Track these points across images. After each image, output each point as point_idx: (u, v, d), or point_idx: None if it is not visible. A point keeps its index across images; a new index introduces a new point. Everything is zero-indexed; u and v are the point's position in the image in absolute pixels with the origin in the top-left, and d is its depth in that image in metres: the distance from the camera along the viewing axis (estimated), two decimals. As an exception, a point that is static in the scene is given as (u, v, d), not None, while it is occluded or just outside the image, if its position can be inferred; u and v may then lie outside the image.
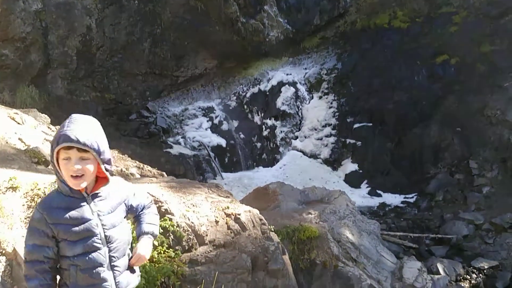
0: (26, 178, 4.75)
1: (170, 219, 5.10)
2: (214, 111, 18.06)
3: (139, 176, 7.86)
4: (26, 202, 4.43)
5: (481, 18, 17.55)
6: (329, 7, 19.28)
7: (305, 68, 19.39)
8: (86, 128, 2.39)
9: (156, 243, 4.66)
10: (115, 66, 16.72)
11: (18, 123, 8.12)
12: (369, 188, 15.52)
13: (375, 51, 17.98)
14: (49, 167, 5.97)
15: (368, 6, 19.11)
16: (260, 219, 6.02)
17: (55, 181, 4.16)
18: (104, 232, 2.49)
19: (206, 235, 5.28)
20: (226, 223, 5.56)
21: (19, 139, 6.77)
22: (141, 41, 17.01)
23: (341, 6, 19.32)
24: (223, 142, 17.02)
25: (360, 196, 15.01)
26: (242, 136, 17.78)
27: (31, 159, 5.94)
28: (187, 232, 5.13)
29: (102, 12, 16.22)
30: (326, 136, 17.50)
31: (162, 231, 4.85)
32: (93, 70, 16.26)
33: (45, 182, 4.69)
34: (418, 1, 18.53)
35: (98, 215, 2.49)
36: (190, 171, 14.95)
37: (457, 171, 14.31)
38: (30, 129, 8.03)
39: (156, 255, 4.63)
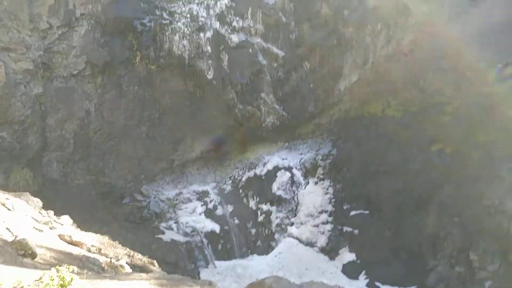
0: (9, 274, 4.71)
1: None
2: (209, 195, 18.16)
3: (129, 270, 7.74)
4: (8, 301, 4.37)
5: (473, 109, 18.30)
6: (323, 95, 20.22)
7: (301, 154, 19.84)
8: None
9: None
10: (112, 149, 17.13)
11: (8, 209, 8.17)
12: (367, 280, 15.15)
13: (370, 138, 18.53)
14: (36, 259, 5.95)
15: (361, 95, 20.04)
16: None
17: (40, 278, 4.17)
18: None
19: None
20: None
21: (7, 228, 6.78)
22: (139, 125, 17.61)
23: (335, 95, 20.27)
24: (217, 228, 16.91)
25: (359, 289, 14.62)
26: (236, 221, 17.70)
27: (17, 252, 5.91)
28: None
29: (102, 96, 16.98)
30: (323, 223, 17.44)
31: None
32: (89, 153, 16.63)
33: (30, 280, 4.65)
34: (411, 90, 19.46)
35: None
36: (182, 259, 14.68)
37: (457, 263, 14.10)
38: (20, 216, 8.06)
39: None
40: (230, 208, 18.20)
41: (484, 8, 19.55)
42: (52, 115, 15.91)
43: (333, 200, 17.86)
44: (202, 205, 17.66)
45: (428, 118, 18.28)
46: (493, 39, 17.98)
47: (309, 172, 19.14)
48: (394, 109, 19.04)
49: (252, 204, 18.48)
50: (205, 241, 16.27)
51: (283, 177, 18.80)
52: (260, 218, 18.02)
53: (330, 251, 16.71)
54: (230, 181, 19.10)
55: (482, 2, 19.93)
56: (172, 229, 16.25)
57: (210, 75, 18.46)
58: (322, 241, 17.00)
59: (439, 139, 17.47)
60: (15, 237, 6.34)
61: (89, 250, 8.01)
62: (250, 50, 19.15)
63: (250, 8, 19.16)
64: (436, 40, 18.81)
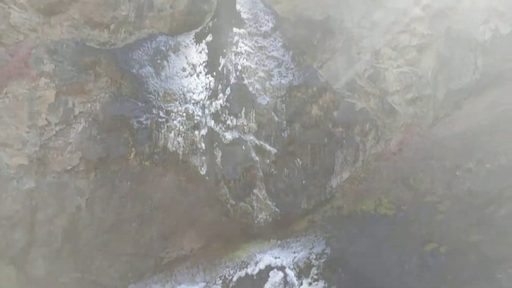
0: None
1: None
2: (198, 297, 17.61)
3: None
4: None
5: (466, 208, 18.57)
6: (316, 191, 20.56)
7: (294, 252, 19.61)
8: None
9: None
10: (100, 246, 16.96)
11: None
12: None
13: (363, 237, 18.51)
14: None
15: (354, 192, 20.39)
16: None
17: None
18: None
19: None
20: None
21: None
22: (130, 221, 17.64)
23: (327, 192, 20.61)
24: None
25: None
26: (225, 326, 16.97)
27: None
28: None
29: (94, 192, 17.23)
30: (317, 328, 16.73)
31: None
32: (77, 249, 16.44)
33: None
34: (402, 189, 19.88)
35: None
36: None
37: None
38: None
39: None
40: (219, 310, 17.57)
41: (467, 111, 20.77)
42: (43, 210, 16.01)
43: (327, 303, 17.32)
44: (190, 307, 17.06)
45: (420, 217, 18.47)
46: (478, 140, 18.87)
47: (302, 272, 18.76)
48: (386, 207, 19.28)
49: (243, 306, 17.88)
50: None
51: (275, 277, 18.40)
52: (251, 323, 17.31)
53: None
54: (221, 281, 18.64)
55: (465, 105, 21.22)
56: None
57: (203, 171, 18.96)
58: None
59: (433, 238, 17.50)
60: None
61: None
62: (243, 147, 19.89)
63: (244, 108, 20.30)
64: (424, 140, 19.71)
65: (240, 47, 21.57)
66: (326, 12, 22.22)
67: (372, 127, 20.62)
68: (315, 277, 18.42)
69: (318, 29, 22.09)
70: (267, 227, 19.84)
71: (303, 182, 20.63)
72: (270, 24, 22.62)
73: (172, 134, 18.91)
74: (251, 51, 21.67)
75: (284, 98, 20.97)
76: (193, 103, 20.00)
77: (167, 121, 19.11)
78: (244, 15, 22.39)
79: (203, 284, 18.48)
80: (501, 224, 16.66)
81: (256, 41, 22.00)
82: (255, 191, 19.88)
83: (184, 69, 21.19)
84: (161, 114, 19.20)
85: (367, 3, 21.86)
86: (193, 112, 19.76)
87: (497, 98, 20.26)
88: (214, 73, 21.07)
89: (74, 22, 19.70)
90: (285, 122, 20.72)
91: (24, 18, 18.65)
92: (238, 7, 22.47)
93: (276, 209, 20.06)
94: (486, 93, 20.92)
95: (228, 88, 20.64)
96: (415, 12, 21.32)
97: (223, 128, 19.86)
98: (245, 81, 20.96)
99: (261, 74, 21.30)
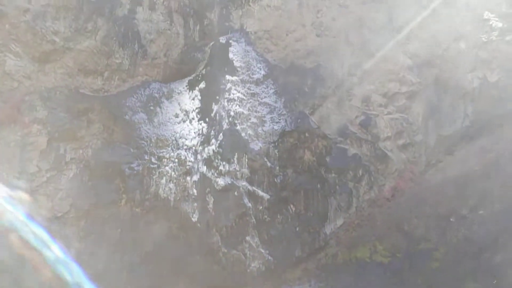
0: None
1: None
2: None
3: None
4: None
5: (461, 255, 18.44)
6: (309, 239, 20.37)
7: (288, 304, 19.18)
8: None
9: None
10: (87, 296, 16.50)
11: None
12: None
13: (359, 286, 18.20)
14: None
15: (348, 239, 20.24)
16: None
17: None
18: None
19: None
20: None
21: None
22: (119, 270, 17.26)
23: (321, 239, 20.44)
24: None
25: None
26: None
27: None
28: None
29: (83, 240, 16.97)
30: None
31: None
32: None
33: None
34: (397, 236, 19.78)
35: None
36: None
37: None
38: None
39: None
40: None
41: (459, 157, 21.10)
42: (29, 261, 15.67)
43: None
44: None
45: (416, 264, 18.28)
46: (471, 186, 19.05)
47: (296, 323, 18.30)
48: (381, 254, 19.10)
49: None
50: None
51: (268, 329, 17.89)
52: None
53: None
54: (212, 333, 18.07)
55: (457, 151, 21.58)
56: None
57: (194, 218, 18.83)
58: None
59: (428, 286, 17.25)
60: None
61: None
62: (236, 193, 19.88)
63: (236, 154, 20.48)
64: (417, 186, 19.86)
65: (233, 94, 22.07)
66: (316, 61, 22.99)
67: (365, 173, 20.80)
68: (310, 329, 17.96)
69: (309, 76, 22.76)
70: (260, 276, 19.47)
71: (297, 229, 20.48)
72: (262, 72, 23.28)
73: (163, 180, 18.93)
74: (244, 97, 22.15)
75: (276, 144, 21.23)
76: (186, 149, 20.18)
77: (159, 167, 19.18)
78: (237, 63, 23.06)
79: (193, 337, 17.90)
80: (497, 271, 16.53)
81: (248, 88, 22.53)
82: (247, 238, 19.66)
83: (177, 115, 21.54)
84: (153, 160, 19.30)
85: (356, 52, 22.69)
86: (185, 158, 19.90)
87: (488, 144, 20.66)
88: (207, 119, 21.41)
89: (68, 69, 20.17)
90: (277, 168, 20.85)
91: (19, 65, 19.07)
92: (231, 55, 23.18)
93: (269, 257, 19.77)
94: (477, 139, 21.34)
95: (221, 134, 20.92)
96: (404, 61, 22.11)
97: (216, 174, 19.93)
98: (238, 127, 21.28)
99: (254, 120, 21.67)
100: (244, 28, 24.24)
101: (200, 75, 22.82)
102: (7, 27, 19.00)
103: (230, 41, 23.62)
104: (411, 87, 21.95)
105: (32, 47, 19.42)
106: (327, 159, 20.96)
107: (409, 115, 21.97)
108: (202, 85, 22.45)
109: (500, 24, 20.77)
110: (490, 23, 20.85)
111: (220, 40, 23.52)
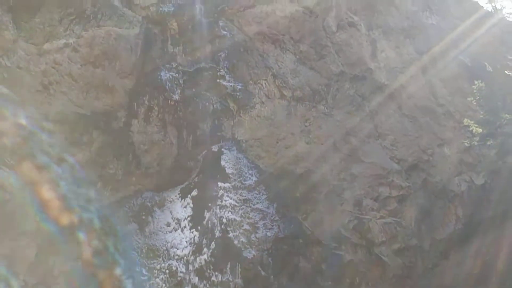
0: None
1: None
2: None
3: None
4: None
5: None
6: None
7: None
8: None
9: None
10: None
11: None
12: None
13: None
14: None
15: None
16: None
17: None
18: None
19: None
20: None
21: None
22: None
23: None
24: None
25: None
26: None
27: None
28: None
29: None
30: None
31: None
32: None
33: None
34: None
35: None
36: None
37: None
38: None
39: None
40: None
41: (455, 261, 21.35)
42: None
43: None
44: None
45: None
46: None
47: None
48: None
49: None
50: None
51: None
52: None
53: None
54: None
55: (452, 254, 21.87)
56: None
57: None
58: None
59: None
60: None
61: None
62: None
63: (229, 263, 20.43)
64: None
65: (225, 201, 22.64)
66: (306, 167, 24.08)
67: (362, 280, 20.74)
68: None
69: (300, 182, 23.64)
70: None
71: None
72: (254, 178, 24.15)
73: (154, 291, 18.69)
74: (236, 204, 22.70)
75: (270, 251, 21.32)
76: (177, 259, 20.18)
77: (149, 279, 19.02)
78: (228, 170, 24.00)
79: None
80: None
81: (240, 195, 23.20)
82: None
83: (168, 224, 21.85)
84: (143, 271, 19.21)
85: (344, 158, 23.94)
86: (177, 268, 19.82)
87: (482, 247, 21.06)
88: (199, 227, 21.70)
89: (61, 181, 20.84)
90: (272, 277, 20.72)
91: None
92: (223, 163, 24.22)
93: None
94: (471, 242, 21.77)
95: (213, 242, 21.05)
96: (392, 165, 23.28)
97: (208, 285, 19.71)
98: (230, 234, 21.51)
99: (246, 226, 22.00)
100: (236, 137, 25.66)
101: (193, 183, 23.60)
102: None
103: (222, 149, 24.83)
104: (401, 191, 22.83)
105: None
106: (323, 266, 20.99)
107: (402, 219, 22.52)
108: (195, 192, 23.10)
109: (480, 130, 22.36)
110: (471, 129, 22.42)
111: (213, 149, 24.73)
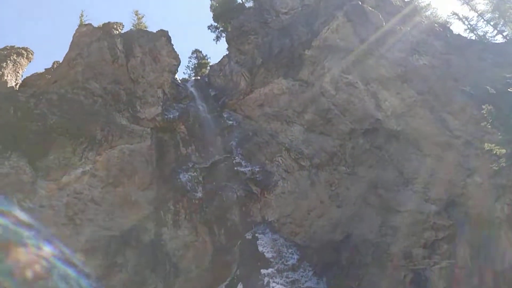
0: None
1: None
2: None
3: None
4: None
5: None
6: None
7: None
8: None
9: None
10: None
11: None
12: None
13: None
14: None
15: None
16: None
17: None
18: None
19: None
20: None
21: None
22: None
23: None
24: None
25: None
26: None
27: None
28: None
29: None
30: None
31: None
32: None
33: None
34: None
35: None
36: None
37: None
38: None
39: None
40: None
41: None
42: None
43: None
44: None
45: None
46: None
47: None
48: None
49: None
50: None
51: None
52: None
53: None
54: None
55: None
56: None
57: None
58: None
59: None
60: None
61: None
62: None
63: None
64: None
65: (273, 287, 22.04)
66: (345, 231, 23.72)
67: None
68: None
69: (342, 248, 23.14)
70: None
71: None
72: (296, 256, 23.74)
73: None
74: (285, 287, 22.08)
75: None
76: None
77: None
78: (268, 254, 23.68)
79: None
80: None
81: (286, 277, 22.68)
82: None
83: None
84: None
85: (379, 212, 23.61)
86: None
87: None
88: (255, 323, 21.00)
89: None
90: None
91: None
92: (260, 248, 23.97)
93: None
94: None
95: (274, 334, 20.28)
96: (429, 208, 22.85)
97: None
98: (288, 321, 20.74)
99: (300, 310, 21.26)
100: (266, 218, 25.67)
101: (235, 277, 23.20)
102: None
103: (256, 234, 24.72)
104: (447, 231, 22.19)
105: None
106: None
107: (456, 259, 21.65)
108: (240, 286, 22.61)
109: (503, 150, 22.19)
110: (494, 152, 22.26)
111: (247, 237, 24.60)
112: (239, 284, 22.74)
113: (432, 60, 27.12)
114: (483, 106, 22.06)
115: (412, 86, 26.53)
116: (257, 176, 27.12)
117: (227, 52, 38.43)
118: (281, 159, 27.63)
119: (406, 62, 27.10)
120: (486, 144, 22.33)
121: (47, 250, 20.73)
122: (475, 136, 24.18)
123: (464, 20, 34.85)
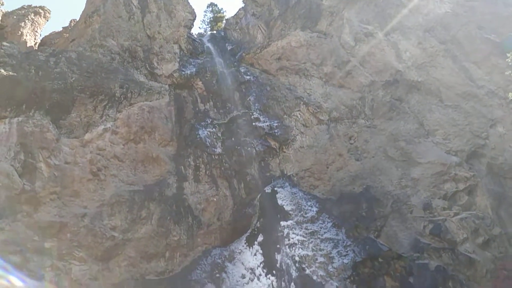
0: None
1: None
2: None
3: None
4: None
5: None
6: None
7: None
8: None
9: None
10: None
11: None
12: None
13: None
14: None
15: None
16: None
17: None
18: None
19: None
20: None
21: None
22: None
23: None
24: None
25: None
26: None
27: None
28: None
29: None
30: None
31: None
32: None
33: None
34: None
35: None
36: None
37: None
38: None
39: None
40: None
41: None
42: None
43: None
44: None
45: None
46: None
47: None
48: None
49: None
50: None
51: None
52: None
53: None
54: None
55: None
56: None
57: None
58: None
59: None
60: None
61: None
62: None
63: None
64: (517, 283, 18.58)
65: (292, 238, 22.47)
66: (364, 183, 23.72)
67: (457, 284, 19.67)
68: None
69: (362, 200, 23.22)
70: None
71: None
72: (315, 209, 23.95)
73: None
74: (304, 239, 22.47)
75: (352, 278, 20.78)
76: None
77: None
78: (287, 207, 23.96)
79: None
80: None
81: (306, 228, 23.00)
82: None
83: (243, 276, 21.76)
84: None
85: (400, 165, 23.45)
86: (264, 317, 19.55)
87: None
88: (274, 271, 21.52)
89: (131, 260, 21.31)
90: (361, 303, 20.09)
91: (84, 269, 20.21)
92: (280, 201, 24.24)
93: None
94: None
95: (292, 284, 20.74)
96: (451, 159, 22.56)
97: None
98: (307, 271, 21.19)
99: (321, 259, 21.62)
100: (285, 173, 25.80)
101: (256, 229, 23.63)
102: (68, 236, 20.58)
103: (276, 188, 24.94)
104: (468, 182, 21.99)
105: (94, 248, 20.82)
106: (411, 280, 20.15)
107: (477, 210, 21.55)
108: (260, 238, 23.09)
109: (529, 99, 21.58)
110: (519, 101, 21.66)
111: (266, 190, 24.85)
112: (259, 235, 23.18)
113: (456, 7, 25.98)
114: (508, 55, 21.21)
115: (434, 35, 25.63)
116: (276, 131, 27.05)
117: (243, 5, 37.51)
118: (299, 114, 27.40)
119: (428, 10, 26.02)
120: (510, 93, 21.66)
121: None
122: (499, 86, 23.44)
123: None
